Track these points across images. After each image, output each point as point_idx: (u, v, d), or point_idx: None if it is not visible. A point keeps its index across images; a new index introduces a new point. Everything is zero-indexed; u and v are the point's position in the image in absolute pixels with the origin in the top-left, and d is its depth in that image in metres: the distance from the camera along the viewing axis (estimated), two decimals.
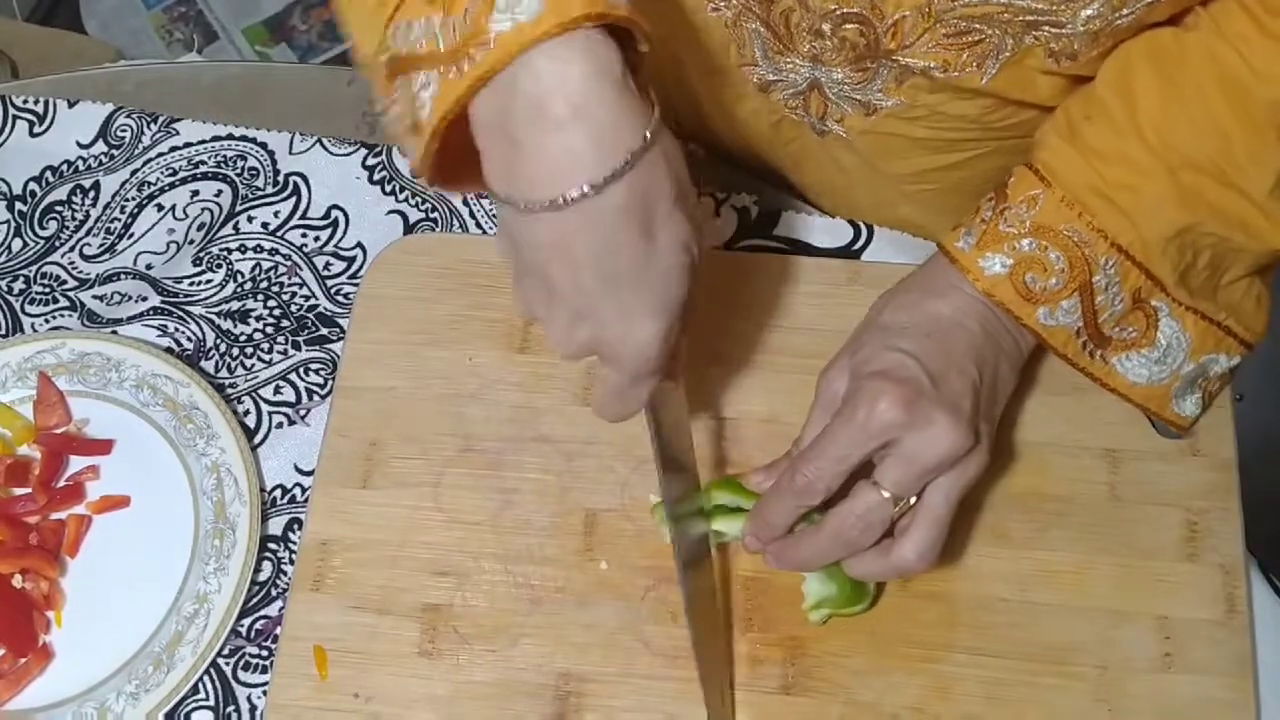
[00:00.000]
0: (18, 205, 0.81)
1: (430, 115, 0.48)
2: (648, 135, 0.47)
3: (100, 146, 0.83)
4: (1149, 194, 0.60)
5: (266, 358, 0.75)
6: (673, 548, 0.62)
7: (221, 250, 0.79)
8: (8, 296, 0.78)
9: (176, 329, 0.76)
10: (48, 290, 0.78)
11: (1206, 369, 0.64)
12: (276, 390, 0.74)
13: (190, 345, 0.76)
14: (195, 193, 0.81)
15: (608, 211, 0.48)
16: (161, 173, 0.81)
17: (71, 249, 0.79)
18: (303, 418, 0.74)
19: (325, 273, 0.78)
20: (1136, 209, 0.60)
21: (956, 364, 0.60)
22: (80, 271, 0.79)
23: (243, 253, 0.79)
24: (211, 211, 0.80)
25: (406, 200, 0.80)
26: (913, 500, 0.59)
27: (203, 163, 0.82)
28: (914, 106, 0.68)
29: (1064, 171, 0.61)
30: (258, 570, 0.69)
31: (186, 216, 0.80)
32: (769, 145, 0.77)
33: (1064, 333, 0.62)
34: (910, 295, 0.63)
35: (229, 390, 0.74)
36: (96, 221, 0.80)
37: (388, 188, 0.80)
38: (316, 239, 0.79)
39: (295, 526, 0.71)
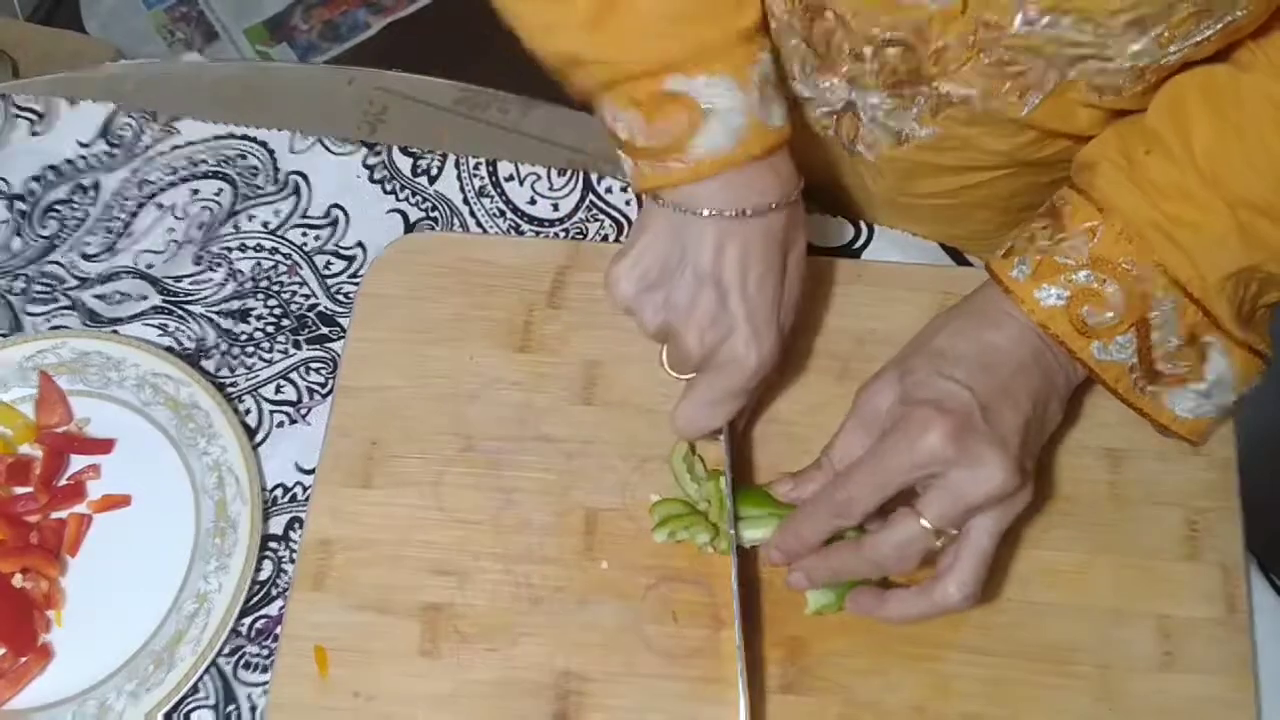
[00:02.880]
0: (18, 204, 0.81)
1: (631, 183, 0.62)
2: (798, 192, 0.61)
3: (101, 146, 0.83)
4: (1210, 231, 0.59)
5: (267, 357, 0.75)
6: (732, 559, 0.63)
7: (222, 249, 0.79)
8: (8, 296, 0.78)
9: (177, 328, 0.76)
10: (48, 289, 0.78)
11: (1242, 396, 0.64)
12: (277, 389, 0.74)
13: (191, 344, 0.76)
14: (195, 192, 0.81)
15: (768, 231, 0.60)
16: (162, 172, 0.81)
17: (72, 248, 0.79)
18: (304, 417, 0.74)
19: (325, 272, 0.78)
20: (1197, 246, 0.59)
21: (1010, 398, 0.59)
22: (81, 271, 0.79)
23: (243, 252, 0.79)
24: (212, 210, 0.80)
25: (407, 199, 0.80)
26: (953, 531, 0.59)
27: (203, 162, 0.82)
28: (947, 138, 0.68)
29: (1123, 204, 0.60)
30: (258, 569, 0.69)
31: (187, 215, 0.80)
32: (796, 152, 0.77)
33: (1117, 368, 0.61)
34: (965, 321, 0.62)
35: (230, 389, 0.74)
36: (97, 221, 0.80)
37: (388, 187, 0.80)
38: (317, 238, 0.79)
39: (296, 525, 0.71)
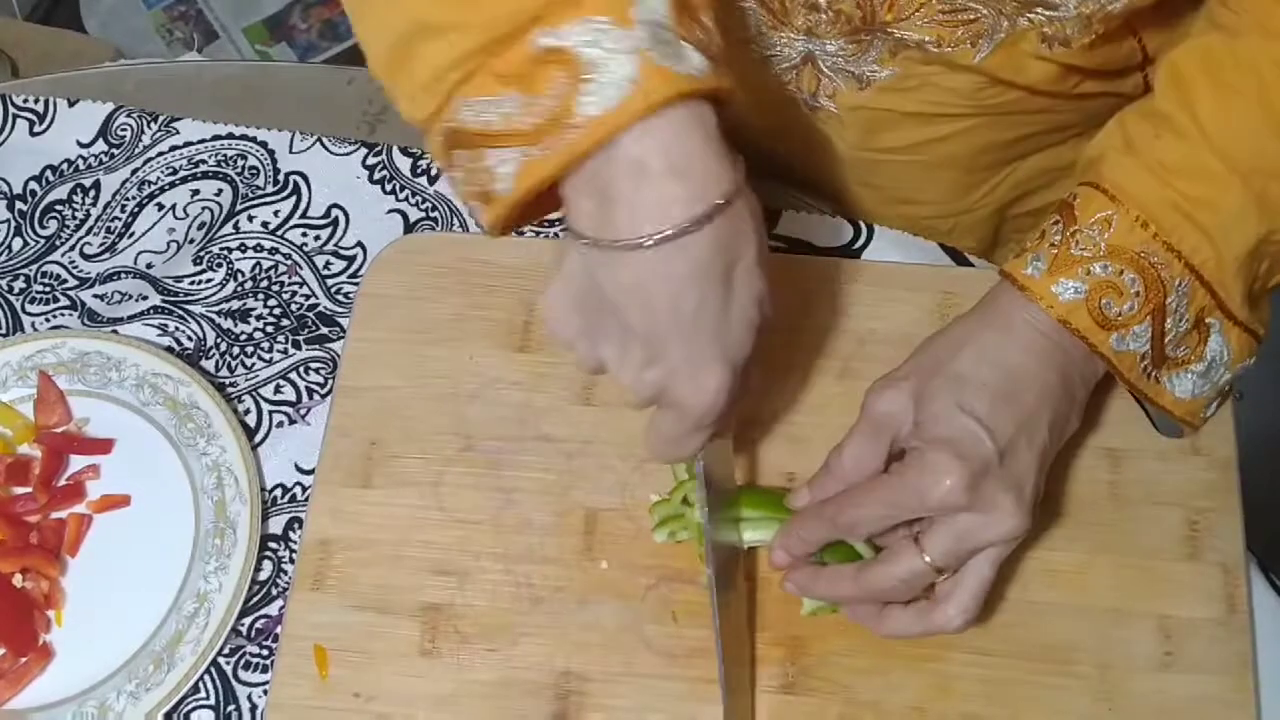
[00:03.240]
0: (18, 204, 0.81)
1: (511, 189, 0.49)
2: (734, 189, 0.49)
3: (100, 146, 0.83)
4: (1228, 207, 0.58)
5: (267, 357, 0.75)
6: (707, 570, 0.61)
7: (222, 249, 0.79)
8: (8, 296, 0.78)
9: (177, 328, 0.76)
10: (48, 289, 0.78)
11: (1237, 376, 0.64)
12: (277, 389, 0.74)
13: (190, 344, 0.76)
14: (195, 192, 0.81)
15: (692, 255, 0.49)
16: (162, 172, 0.81)
17: (72, 248, 0.79)
18: (303, 417, 0.74)
19: (325, 272, 0.78)
20: (1216, 226, 0.58)
21: (1029, 432, 0.58)
22: (80, 270, 0.79)
23: (243, 252, 0.79)
24: (212, 210, 0.80)
25: (406, 199, 0.80)
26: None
27: (203, 162, 0.82)
28: (907, 78, 0.68)
29: (1137, 190, 0.59)
30: (258, 569, 0.69)
31: (187, 215, 0.80)
32: (759, 118, 0.77)
33: (1131, 358, 0.60)
34: (981, 331, 0.60)
35: (229, 389, 0.74)
36: (97, 221, 0.80)
37: (388, 187, 0.80)
38: (316, 238, 0.79)
39: (296, 525, 0.71)
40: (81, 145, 0.83)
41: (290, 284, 0.78)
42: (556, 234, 0.78)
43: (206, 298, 0.77)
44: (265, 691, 0.66)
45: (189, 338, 0.76)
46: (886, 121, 0.72)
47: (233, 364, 0.75)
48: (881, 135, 0.74)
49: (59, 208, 0.81)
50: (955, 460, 0.56)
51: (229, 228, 0.79)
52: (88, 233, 0.80)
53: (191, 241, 0.79)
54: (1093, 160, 0.63)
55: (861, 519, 0.58)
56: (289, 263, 0.78)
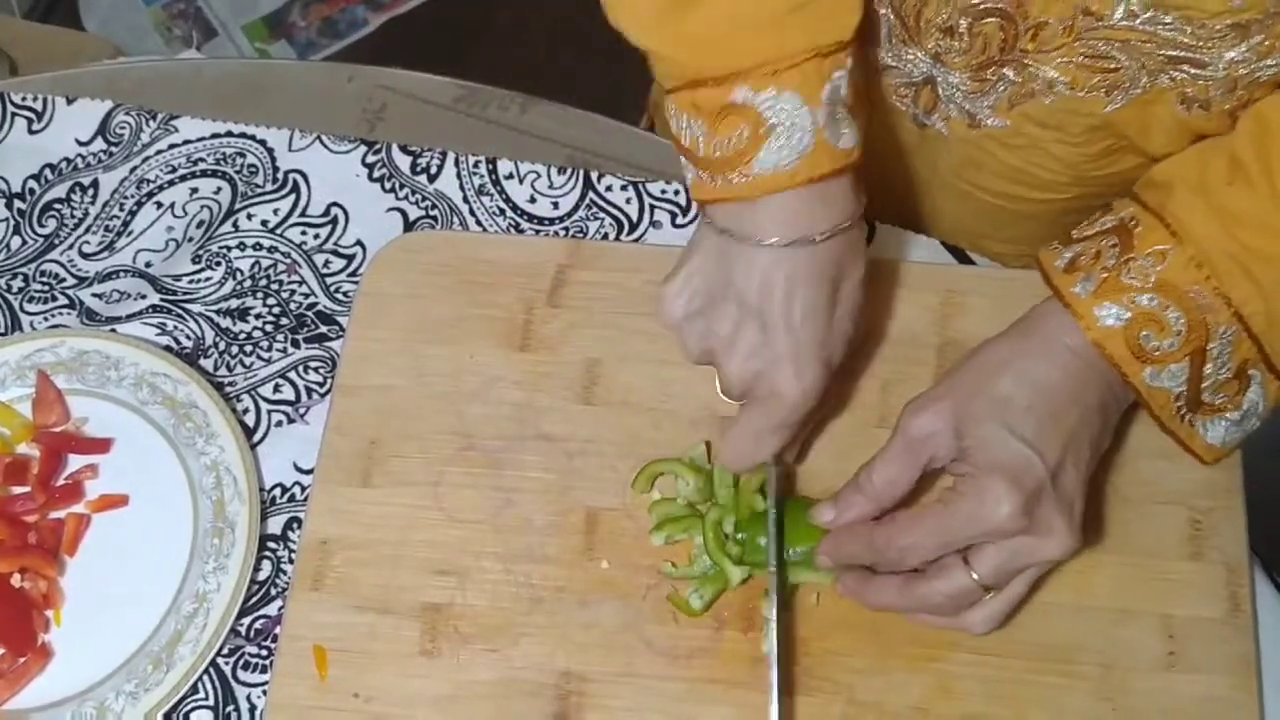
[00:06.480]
0: (16, 203, 0.81)
1: (690, 191, 0.61)
2: (856, 216, 0.59)
3: (99, 144, 0.82)
4: None
5: (266, 356, 0.75)
6: (772, 596, 0.63)
7: (220, 248, 0.78)
8: (6, 295, 0.78)
9: (175, 327, 0.76)
10: (47, 288, 0.78)
11: (1265, 423, 0.63)
12: (276, 388, 0.74)
13: (189, 343, 0.76)
14: (194, 190, 0.80)
15: (813, 261, 0.58)
16: (161, 170, 0.81)
17: (70, 247, 0.79)
18: (302, 416, 0.73)
19: (324, 270, 0.78)
20: (1270, 280, 0.57)
21: (1074, 451, 0.58)
22: (79, 269, 0.78)
23: (242, 250, 0.78)
24: (211, 209, 0.80)
25: (406, 198, 0.79)
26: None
27: (202, 160, 0.81)
28: (1017, 135, 0.67)
29: (1199, 231, 0.58)
30: (257, 569, 0.69)
31: (185, 214, 0.80)
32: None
33: (1164, 395, 0.60)
34: (1019, 353, 0.60)
35: (228, 389, 0.74)
36: (95, 219, 0.80)
37: (387, 185, 0.80)
38: (316, 236, 0.79)
39: (295, 525, 0.70)
40: (80, 143, 0.82)
41: (289, 283, 0.77)
42: (555, 233, 0.78)
43: (205, 296, 0.77)
44: (264, 692, 0.66)
45: (188, 337, 0.76)
46: (988, 164, 0.72)
47: (231, 363, 0.75)
48: (980, 173, 0.73)
49: (57, 206, 0.81)
50: (1010, 486, 0.56)
51: (228, 226, 0.79)
52: (86, 231, 0.80)
53: (190, 240, 0.79)
54: (1157, 184, 0.61)
55: (913, 548, 0.58)
56: (288, 261, 0.78)
